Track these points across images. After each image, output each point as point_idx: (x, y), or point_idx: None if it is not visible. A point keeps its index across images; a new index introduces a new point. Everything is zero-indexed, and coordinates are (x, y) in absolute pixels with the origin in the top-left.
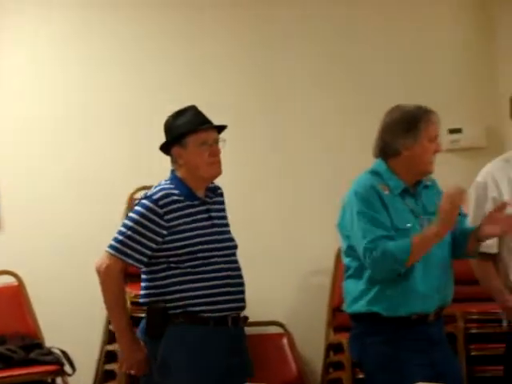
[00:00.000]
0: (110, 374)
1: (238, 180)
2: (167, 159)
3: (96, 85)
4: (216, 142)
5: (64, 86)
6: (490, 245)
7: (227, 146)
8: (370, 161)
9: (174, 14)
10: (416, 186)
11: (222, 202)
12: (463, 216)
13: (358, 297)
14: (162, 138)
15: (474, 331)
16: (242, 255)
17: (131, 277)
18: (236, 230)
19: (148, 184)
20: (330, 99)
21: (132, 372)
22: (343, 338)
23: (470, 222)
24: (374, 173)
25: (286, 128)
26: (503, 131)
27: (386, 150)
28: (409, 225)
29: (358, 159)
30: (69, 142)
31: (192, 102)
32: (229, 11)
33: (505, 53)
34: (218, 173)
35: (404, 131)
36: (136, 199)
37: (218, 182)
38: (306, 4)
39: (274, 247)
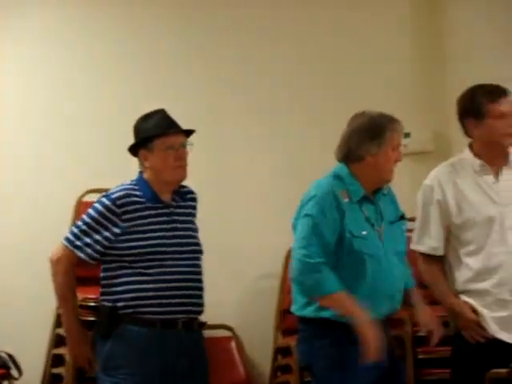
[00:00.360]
0: (57, 378)
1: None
2: (118, 161)
3: (42, 84)
4: (183, 145)
5: (6, 84)
6: (437, 247)
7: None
8: (326, 163)
9: (118, 11)
10: (375, 194)
11: (192, 207)
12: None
13: (309, 301)
14: (113, 139)
15: (421, 334)
16: None
17: (80, 280)
18: None
19: (97, 187)
20: (287, 99)
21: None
22: (291, 342)
23: (416, 225)
24: (337, 177)
25: (237, 128)
26: (450, 135)
27: (349, 154)
28: (364, 232)
29: (314, 161)
30: (20, 141)
31: (143, 101)
32: (179, 11)
33: (453, 58)
34: (183, 177)
35: (369, 138)
36: (85, 202)
37: None
38: (261, 4)
39: (223, 249)
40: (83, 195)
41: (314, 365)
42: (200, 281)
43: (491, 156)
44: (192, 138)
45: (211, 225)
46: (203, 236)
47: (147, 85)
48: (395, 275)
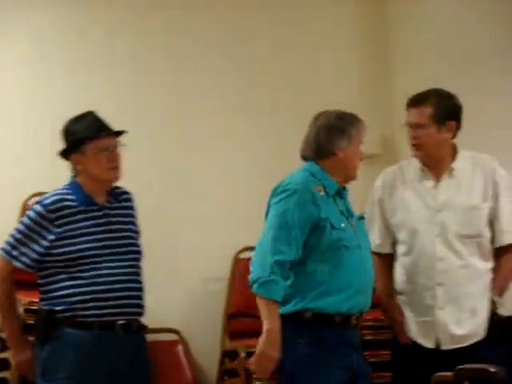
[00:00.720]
0: (3, 382)
1: (130, 180)
2: (62, 164)
3: None
4: (115, 147)
5: None
6: (379, 244)
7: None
8: (277, 162)
9: (71, 12)
10: (342, 191)
11: (129, 208)
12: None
13: (287, 298)
14: (58, 142)
15: (368, 338)
16: None
17: (26, 284)
18: None
19: (43, 190)
20: (234, 100)
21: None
22: (239, 345)
23: (366, 221)
24: (310, 173)
25: (190, 127)
26: (397, 139)
27: (319, 151)
28: (343, 225)
29: (263, 161)
30: None
31: (92, 103)
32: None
33: (399, 63)
34: (117, 178)
35: (340, 134)
36: (30, 206)
37: None
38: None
39: (169, 251)
40: (29, 198)
41: (285, 361)
42: (138, 282)
43: (425, 162)
44: (153, 137)
45: (159, 226)
46: (151, 237)
47: (104, 86)
48: (368, 270)
